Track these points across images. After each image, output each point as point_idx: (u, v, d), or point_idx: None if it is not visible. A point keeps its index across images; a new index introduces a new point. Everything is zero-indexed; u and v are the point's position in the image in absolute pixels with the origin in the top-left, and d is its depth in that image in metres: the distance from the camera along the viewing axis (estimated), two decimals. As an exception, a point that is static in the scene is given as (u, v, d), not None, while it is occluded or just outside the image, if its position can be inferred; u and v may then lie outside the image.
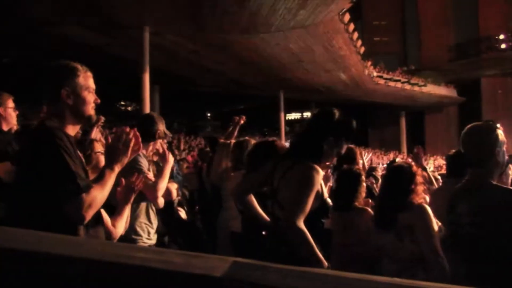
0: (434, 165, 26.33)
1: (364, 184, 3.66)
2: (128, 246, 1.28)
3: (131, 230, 3.27)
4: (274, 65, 23.95)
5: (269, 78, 27.10)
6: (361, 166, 4.60)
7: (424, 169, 5.48)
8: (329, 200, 2.66)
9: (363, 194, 3.62)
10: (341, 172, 3.77)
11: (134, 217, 3.25)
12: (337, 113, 2.61)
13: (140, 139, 2.18)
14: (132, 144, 2.14)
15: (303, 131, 2.67)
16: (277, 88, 29.50)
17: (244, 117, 5.08)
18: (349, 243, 3.37)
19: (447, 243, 2.75)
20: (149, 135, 3.41)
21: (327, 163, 2.70)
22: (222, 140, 5.13)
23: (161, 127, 3.50)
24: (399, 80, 32.58)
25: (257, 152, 3.72)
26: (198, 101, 36.55)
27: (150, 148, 3.50)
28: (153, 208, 3.47)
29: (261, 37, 19.41)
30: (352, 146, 4.63)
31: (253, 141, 4.47)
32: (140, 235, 3.34)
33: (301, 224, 2.32)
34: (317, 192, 2.47)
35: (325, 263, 2.36)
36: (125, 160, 2.14)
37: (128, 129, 2.16)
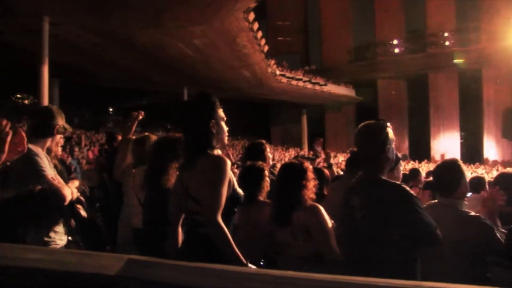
0: (334, 162, 27.31)
1: (268, 179, 3.72)
2: (16, 246, 1.21)
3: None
4: (179, 60, 23.70)
5: (173, 73, 26.78)
6: (270, 161, 4.66)
7: (330, 166, 5.70)
8: (240, 190, 2.68)
9: (266, 189, 3.68)
10: (244, 167, 3.81)
11: None
12: (210, 94, 2.61)
13: (25, 140, 2.04)
14: (8, 139, 1.94)
15: (190, 122, 2.60)
16: (181, 84, 29.25)
17: (142, 113, 4.99)
18: (253, 238, 3.40)
19: (341, 236, 2.88)
20: (47, 130, 3.23)
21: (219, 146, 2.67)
22: (120, 136, 5.01)
23: (60, 121, 3.28)
24: (301, 79, 33.44)
25: (160, 148, 3.67)
26: (100, 96, 35.50)
27: (48, 144, 3.30)
28: None
29: (166, 32, 19.13)
30: (262, 140, 4.70)
31: (154, 137, 4.41)
32: (53, 238, 3.17)
33: (220, 220, 2.34)
34: (229, 180, 2.48)
35: (244, 260, 2.39)
36: (2, 156, 1.95)
37: (4, 123, 1.96)
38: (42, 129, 3.21)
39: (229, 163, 2.48)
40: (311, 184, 3.14)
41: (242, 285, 0.95)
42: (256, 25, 21.91)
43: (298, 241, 3.01)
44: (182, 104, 2.71)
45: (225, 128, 2.64)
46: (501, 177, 4.45)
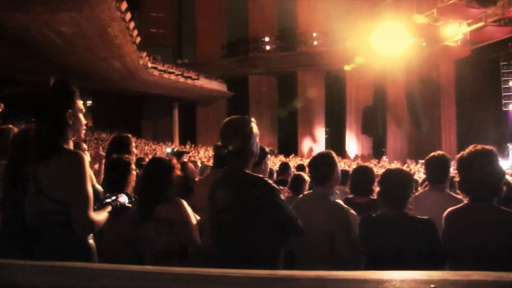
0: (205, 156, 27.50)
1: (134, 172, 3.69)
2: None
3: None
4: (45, 48, 22.32)
5: (39, 62, 25.18)
6: (134, 156, 4.61)
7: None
8: (98, 186, 2.64)
9: (133, 183, 3.64)
10: (111, 160, 3.74)
11: None
12: (69, 83, 2.53)
13: None
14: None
15: (44, 111, 2.47)
16: (48, 74, 27.50)
17: (2, 105, 4.70)
18: (118, 233, 3.35)
19: (206, 229, 2.96)
20: None
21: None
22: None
23: None
24: (173, 73, 33.16)
25: (21, 140, 3.49)
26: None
27: None
28: None
29: (32, 16, 17.92)
30: (127, 134, 4.62)
31: (16, 130, 4.17)
32: None
33: (92, 215, 2.32)
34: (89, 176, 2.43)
35: (109, 207, 2.54)
36: None
37: None
38: None
39: (86, 158, 2.42)
40: (177, 179, 3.17)
41: (99, 283, 0.96)
42: (128, 15, 21.39)
43: (161, 235, 3.04)
44: (38, 92, 2.57)
45: (83, 121, 2.55)
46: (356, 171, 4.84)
